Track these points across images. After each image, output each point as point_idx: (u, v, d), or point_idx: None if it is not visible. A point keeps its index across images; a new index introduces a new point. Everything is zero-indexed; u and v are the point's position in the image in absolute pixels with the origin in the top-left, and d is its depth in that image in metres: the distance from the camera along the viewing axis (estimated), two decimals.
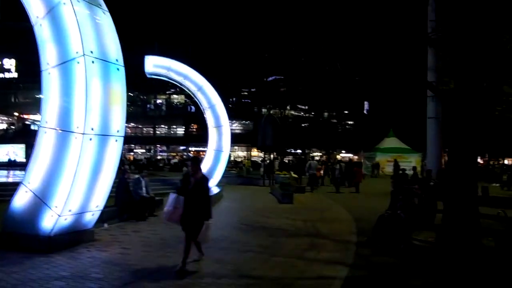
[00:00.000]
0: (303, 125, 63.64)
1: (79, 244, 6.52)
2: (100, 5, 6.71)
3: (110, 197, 7.22)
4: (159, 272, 5.31)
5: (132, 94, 53.56)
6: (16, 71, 51.55)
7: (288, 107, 62.38)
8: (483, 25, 7.81)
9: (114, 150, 6.67)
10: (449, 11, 8.86)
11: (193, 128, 57.61)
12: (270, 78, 63.12)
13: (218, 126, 15.60)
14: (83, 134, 6.01)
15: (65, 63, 6.13)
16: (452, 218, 7.56)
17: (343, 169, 19.85)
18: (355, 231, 8.81)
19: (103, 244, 6.81)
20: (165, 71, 14.58)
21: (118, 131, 6.70)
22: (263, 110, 55.95)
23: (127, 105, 7.65)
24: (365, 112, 67.18)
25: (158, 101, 61.92)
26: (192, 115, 53.65)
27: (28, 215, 6.23)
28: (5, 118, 51.78)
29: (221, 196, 14.31)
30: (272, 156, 25.72)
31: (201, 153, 39.96)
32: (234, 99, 61.28)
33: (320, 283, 5.22)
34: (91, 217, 6.83)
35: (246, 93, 64.56)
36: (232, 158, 36.47)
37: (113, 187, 7.30)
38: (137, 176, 10.50)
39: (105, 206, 7.14)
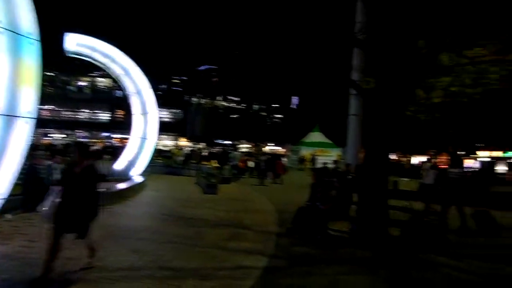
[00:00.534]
0: (233, 116, 63.91)
1: None
2: None
3: (17, 184, 6.56)
4: (65, 266, 4.91)
5: (52, 74, 49.48)
6: None
7: (219, 98, 62.12)
8: (403, 30, 8.39)
9: (22, 133, 6.05)
10: (372, 14, 9.38)
11: (119, 114, 54.97)
12: (202, 68, 62.22)
13: (145, 113, 14.99)
14: None
15: None
16: (364, 209, 8.08)
17: (267, 161, 20.29)
18: (276, 222, 9.03)
19: (3, 236, 6.17)
20: (89, 51, 13.62)
21: (28, 112, 6.09)
22: (194, 99, 55.07)
23: (44, 85, 7.00)
24: (293, 106, 69.34)
25: (82, 83, 57.99)
26: (118, 100, 51.14)
27: None
28: None
29: (144, 185, 13.83)
30: (199, 146, 25.48)
31: (125, 140, 38.35)
32: (164, 86, 59.49)
33: (238, 273, 5.25)
34: None
35: (177, 81, 63.01)
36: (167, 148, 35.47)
37: (21, 174, 6.65)
38: (49, 162, 9.69)
39: (11, 195, 6.44)
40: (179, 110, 57.40)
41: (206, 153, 32.00)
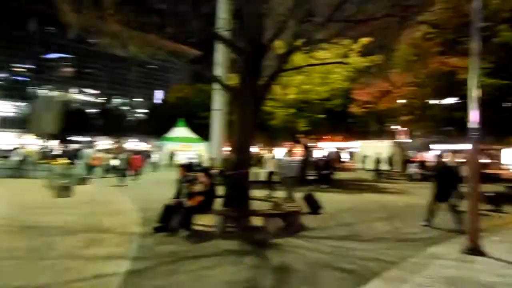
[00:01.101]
0: (91, 111, 58.96)
1: None
2: None
3: None
4: None
5: None
6: None
7: (74, 91, 56.49)
8: (261, 29, 8.80)
9: None
10: (233, 12, 9.64)
11: None
12: (52, 56, 55.59)
13: None
14: None
15: None
16: (229, 201, 8.32)
17: (127, 158, 19.18)
18: (140, 222, 8.59)
19: None
20: None
21: None
22: (42, 91, 48.88)
23: None
24: (158, 101, 67.48)
25: None
26: None
27: None
28: None
29: None
30: (50, 143, 22.69)
31: None
32: (4, 75, 51.30)
33: (98, 283, 4.80)
34: None
35: (21, 70, 55.03)
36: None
37: None
38: None
39: None
40: (25, 103, 50.12)
41: (59, 151, 28.68)
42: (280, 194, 12.30)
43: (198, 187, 7.97)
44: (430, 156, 32.13)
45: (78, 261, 5.61)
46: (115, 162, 20.28)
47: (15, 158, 20.07)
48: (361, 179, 22.79)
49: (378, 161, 25.78)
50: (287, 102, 22.15)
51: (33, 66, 54.20)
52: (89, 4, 8.05)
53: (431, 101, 21.72)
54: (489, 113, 12.71)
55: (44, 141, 22.62)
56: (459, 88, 16.32)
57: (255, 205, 8.78)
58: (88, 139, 51.79)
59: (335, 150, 47.23)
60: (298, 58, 19.59)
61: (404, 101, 22.93)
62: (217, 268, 5.46)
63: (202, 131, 37.55)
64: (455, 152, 15.73)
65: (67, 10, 8.20)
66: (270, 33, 9.19)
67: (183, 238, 7.08)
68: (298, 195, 10.85)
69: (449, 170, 8.97)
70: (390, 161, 27.12)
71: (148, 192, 14.29)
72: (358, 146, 36.26)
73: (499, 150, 36.10)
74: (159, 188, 14.63)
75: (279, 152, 18.06)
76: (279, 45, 18.32)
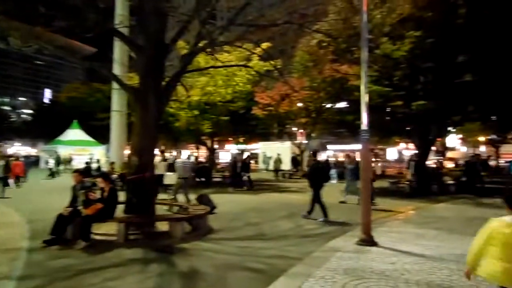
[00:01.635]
0: None
1: None
2: None
3: None
4: None
5: None
6: None
7: None
8: (162, 28, 8.53)
9: None
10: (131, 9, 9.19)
11: None
12: None
13: None
14: None
15: None
16: (132, 207, 7.90)
17: (9, 165, 16.93)
18: (27, 235, 7.67)
19: None
20: None
21: None
22: None
23: None
24: (46, 100, 61.35)
25: None
26: None
27: None
28: None
29: None
30: None
31: None
32: None
33: None
34: None
35: None
36: None
37: None
38: None
39: None
40: None
41: None
42: (168, 196, 12.26)
43: (96, 194, 7.42)
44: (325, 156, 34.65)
45: None
46: None
47: None
48: (264, 179, 23.55)
49: (279, 162, 26.97)
50: (191, 103, 21.92)
51: None
52: None
53: (326, 105, 23.41)
54: (375, 116, 14.13)
55: None
56: (349, 93, 17.87)
57: (161, 210, 8.48)
58: None
59: (239, 152, 48.09)
60: (202, 60, 19.56)
61: (301, 104, 24.34)
62: (120, 279, 5.12)
63: (100, 134, 35.16)
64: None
65: None
66: (173, 33, 8.99)
67: (81, 250, 6.51)
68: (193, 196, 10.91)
69: (320, 167, 10.23)
70: (294, 161, 28.56)
71: (39, 201, 12.85)
72: (260, 147, 37.48)
73: (384, 149, 40.49)
74: (52, 196, 13.26)
75: (174, 154, 17.63)
76: (182, 46, 18.06)
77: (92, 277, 5.20)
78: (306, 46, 19.48)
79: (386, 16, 14.52)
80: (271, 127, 36.55)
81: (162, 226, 7.97)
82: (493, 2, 13.50)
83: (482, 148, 39.09)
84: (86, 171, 11.70)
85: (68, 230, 7.10)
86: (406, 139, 25.17)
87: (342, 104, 22.00)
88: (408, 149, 31.20)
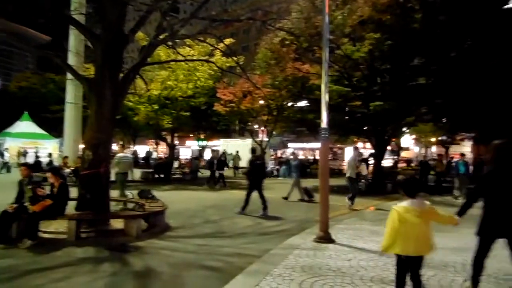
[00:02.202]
0: None
1: None
2: None
3: None
4: None
5: None
6: None
7: None
8: (121, 17, 8.19)
9: None
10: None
11: None
12: None
13: None
14: None
15: None
16: (84, 203, 7.56)
17: None
18: None
19: None
20: None
21: None
22: None
23: None
24: None
25: None
26: None
27: None
28: None
29: None
30: None
31: None
32: None
33: None
34: None
35: None
36: None
37: None
38: None
39: None
40: None
41: None
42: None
43: (45, 190, 7.01)
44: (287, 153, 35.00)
45: None
46: None
47: None
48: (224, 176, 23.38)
49: (237, 158, 26.96)
50: (150, 97, 21.36)
51: None
52: None
53: (287, 103, 23.60)
54: (334, 115, 14.41)
55: None
56: (310, 92, 18.13)
57: (116, 207, 8.17)
58: None
59: (200, 148, 47.62)
60: (163, 53, 19.07)
61: (263, 102, 24.43)
62: (69, 280, 4.85)
63: (53, 127, 33.42)
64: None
65: None
66: (133, 24, 8.67)
67: (26, 250, 6.12)
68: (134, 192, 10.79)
69: (259, 164, 10.82)
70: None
71: None
72: (221, 144, 37.28)
73: (342, 148, 41.46)
74: None
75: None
76: (142, 37, 17.50)
77: (38, 278, 4.89)
78: (269, 43, 19.51)
79: (347, 18, 14.83)
80: (233, 124, 36.42)
81: (117, 224, 7.69)
82: (447, 9, 14.14)
83: (433, 148, 41.13)
84: (35, 165, 11.06)
85: (13, 228, 6.67)
86: (364, 138, 25.89)
87: (303, 103, 22.27)
88: (365, 148, 32.13)
